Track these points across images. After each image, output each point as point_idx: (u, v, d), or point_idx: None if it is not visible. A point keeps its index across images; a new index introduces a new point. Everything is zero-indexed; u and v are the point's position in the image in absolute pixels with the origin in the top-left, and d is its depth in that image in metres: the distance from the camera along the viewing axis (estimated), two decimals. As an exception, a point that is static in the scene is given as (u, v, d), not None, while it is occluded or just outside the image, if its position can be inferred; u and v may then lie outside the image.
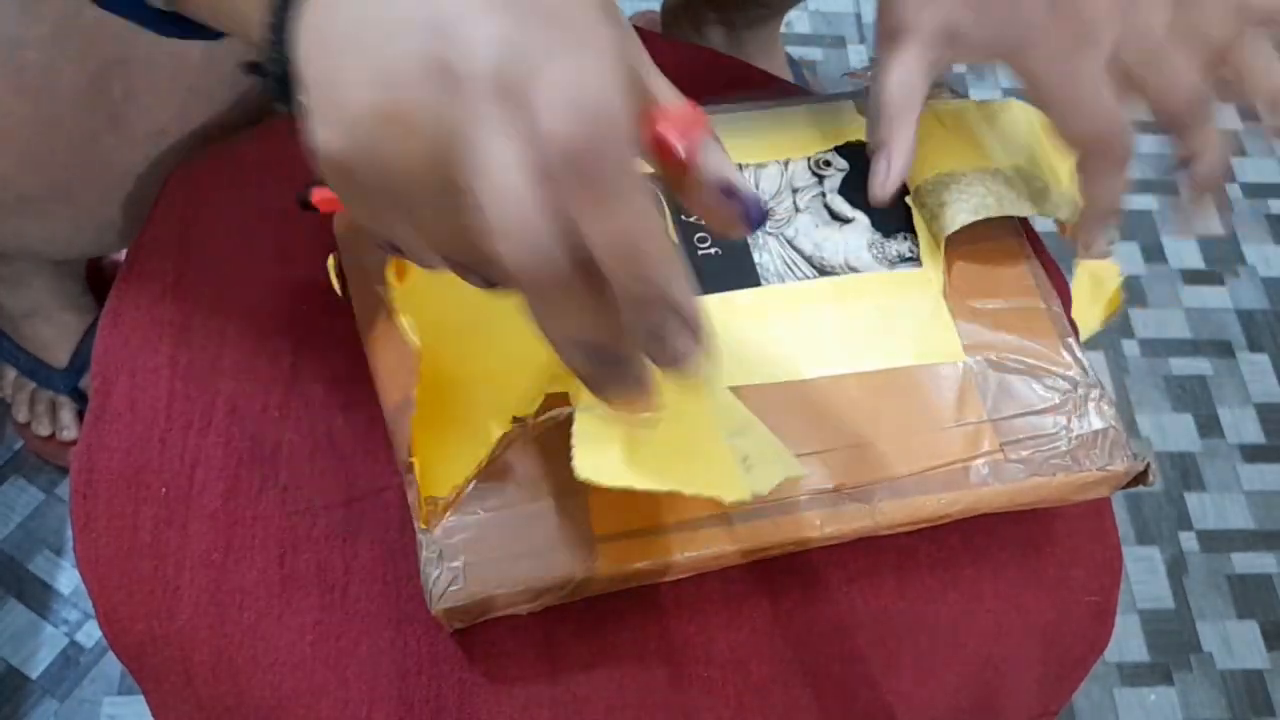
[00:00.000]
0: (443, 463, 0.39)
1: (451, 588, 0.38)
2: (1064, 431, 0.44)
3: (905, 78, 0.44)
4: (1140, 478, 0.44)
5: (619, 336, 0.29)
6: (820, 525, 0.41)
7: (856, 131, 0.51)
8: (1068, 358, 0.46)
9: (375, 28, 0.27)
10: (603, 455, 0.33)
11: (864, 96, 0.53)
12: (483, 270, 0.31)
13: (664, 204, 0.36)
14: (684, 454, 0.34)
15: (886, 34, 0.45)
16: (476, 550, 0.38)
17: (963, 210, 0.47)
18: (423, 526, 0.39)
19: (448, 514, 0.39)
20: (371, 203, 0.30)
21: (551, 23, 0.27)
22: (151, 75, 0.48)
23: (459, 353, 0.42)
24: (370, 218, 0.31)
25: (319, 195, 0.37)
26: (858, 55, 1.25)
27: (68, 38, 0.45)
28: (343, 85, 0.28)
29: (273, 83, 0.31)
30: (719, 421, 0.36)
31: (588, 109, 0.26)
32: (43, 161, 0.48)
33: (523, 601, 0.39)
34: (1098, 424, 0.44)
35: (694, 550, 0.40)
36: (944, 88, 0.54)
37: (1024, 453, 0.43)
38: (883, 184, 0.45)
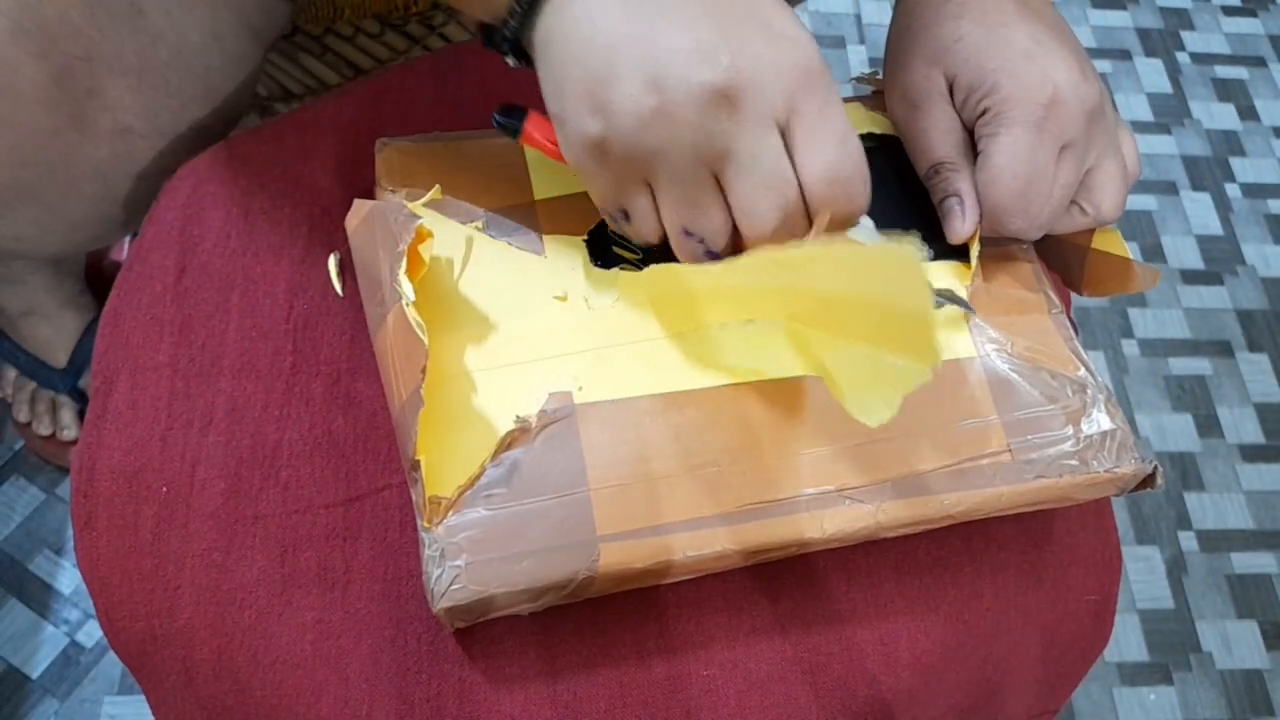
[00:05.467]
0: (447, 462, 0.39)
1: (453, 587, 0.38)
2: (1072, 432, 0.44)
3: (950, 126, 0.47)
4: (1148, 480, 0.44)
5: None
6: (823, 526, 0.41)
7: (864, 126, 0.51)
8: (1074, 359, 0.45)
9: (652, 44, 0.36)
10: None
11: (871, 99, 0.53)
12: (710, 234, 0.39)
13: None
14: None
15: (904, 101, 0.48)
16: (479, 549, 0.38)
17: None
18: (426, 525, 0.39)
19: (450, 513, 0.39)
20: (620, 176, 0.39)
21: (812, 85, 0.37)
22: (116, 73, 0.47)
23: (464, 352, 0.42)
24: (613, 186, 0.39)
25: (535, 134, 0.42)
26: (857, 55, 1.24)
27: (27, 34, 0.44)
28: (616, 82, 0.36)
29: (502, 44, 0.41)
30: None
31: (846, 163, 0.38)
32: (1, 158, 0.47)
33: (524, 601, 0.39)
34: (1106, 425, 0.44)
35: (695, 551, 0.40)
36: None
37: (1031, 453, 0.43)
38: (968, 228, 0.47)
